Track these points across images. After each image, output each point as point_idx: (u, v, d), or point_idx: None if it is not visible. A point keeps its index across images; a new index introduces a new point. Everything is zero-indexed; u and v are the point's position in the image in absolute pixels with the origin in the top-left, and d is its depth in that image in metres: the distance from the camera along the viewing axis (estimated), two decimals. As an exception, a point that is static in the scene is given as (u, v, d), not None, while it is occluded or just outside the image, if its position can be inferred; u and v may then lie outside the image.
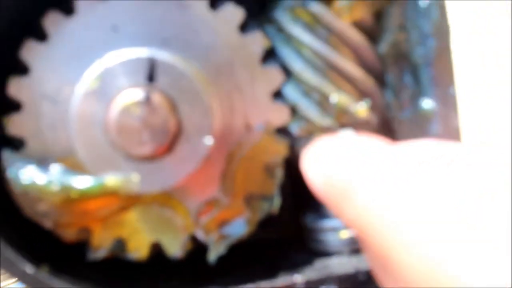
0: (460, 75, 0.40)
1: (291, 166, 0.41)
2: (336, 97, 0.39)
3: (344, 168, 0.29)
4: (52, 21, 0.38)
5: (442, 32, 0.38)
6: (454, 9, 0.39)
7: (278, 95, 0.40)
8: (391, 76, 0.40)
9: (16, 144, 0.39)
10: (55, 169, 0.39)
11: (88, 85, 0.38)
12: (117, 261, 0.41)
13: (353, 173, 0.29)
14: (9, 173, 0.38)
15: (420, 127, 0.39)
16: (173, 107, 0.38)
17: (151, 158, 0.38)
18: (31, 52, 0.38)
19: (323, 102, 0.40)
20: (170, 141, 0.38)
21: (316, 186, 0.32)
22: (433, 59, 0.38)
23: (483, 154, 0.26)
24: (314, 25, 0.39)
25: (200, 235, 0.41)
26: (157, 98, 0.37)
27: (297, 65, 0.40)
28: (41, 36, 0.38)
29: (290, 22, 0.40)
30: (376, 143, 0.30)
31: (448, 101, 0.39)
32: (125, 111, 0.37)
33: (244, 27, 0.39)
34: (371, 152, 0.29)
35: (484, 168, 0.24)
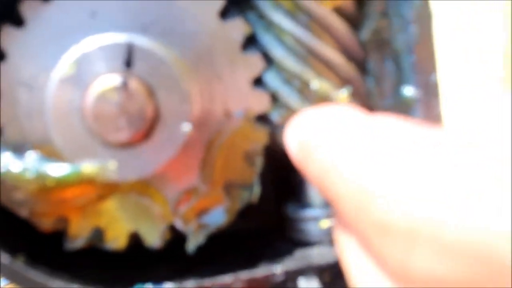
0: (443, 72, 0.40)
1: (272, 155, 0.40)
2: (317, 84, 0.39)
3: (318, 134, 0.30)
4: (29, 6, 0.38)
5: (424, 18, 0.38)
6: (437, 6, 0.39)
7: (258, 82, 0.40)
8: (372, 63, 0.40)
9: (-9, 131, 0.38)
10: (31, 156, 0.38)
11: (64, 71, 0.37)
12: (94, 251, 0.40)
13: (325, 138, 0.29)
14: (-16, 161, 0.37)
15: (402, 114, 0.38)
16: (151, 93, 0.37)
17: (128, 145, 0.38)
18: (8, 38, 0.38)
19: (303, 89, 0.39)
20: (148, 128, 0.37)
21: (292, 151, 0.32)
22: (414, 46, 0.38)
23: (471, 149, 0.25)
24: (295, 11, 0.39)
25: (179, 224, 0.40)
26: (134, 84, 0.37)
27: (278, 52, 0.39)
28: (18, 21, 0.38)
29: (271, 9, 0.39)
30: (353, 112, 0.30)
31: (430, 89, 0.38)
32: (102, 97, 0.37)
33: (224, 14, 0.39)
34: (346, 120, 0.29)
35: (472, 166, 0.24)
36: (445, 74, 0.44)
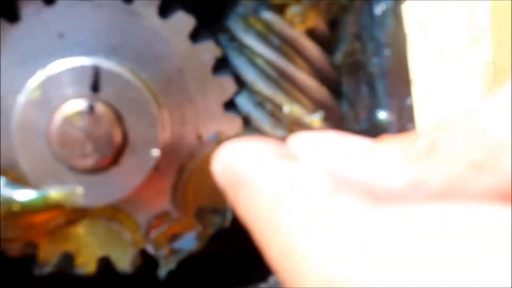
0: (418, 72, 0.39)
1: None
2: (288, 108, 0.38)
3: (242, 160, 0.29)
4: (-4, 28, 0.37)
5: (397, 42, 0.37)
6: (411, 5, 0.38)
7: (230, 105, 0.39)
8: (347, 87, 0.39)
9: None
10: (-2, 182, 0.37)
11: (30, 94, 0.37)
12: (65, 275, 0.40)
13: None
14: None
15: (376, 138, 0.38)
16: (118, 118, 0.36)
17: (96, 170, 0.37)
18: (-26, 61, 0.37)
19: (275, 113, 0.39)
20: (115, 153, 0.37)
21: (217, 173, 0.31)
22: (388, 70, 0.37)
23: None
24: (267, 34, 0.38)
25: (150, 249, 0.39)
26: (101, 108, 0.36)
27: (249, 75, 0.39)
28: (-16, 43, 0.37)
29: (242, 31, 0.38)
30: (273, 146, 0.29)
31: (404, 113, 0.38)
32: (68, 121, 0.36)
33: (195, 36, 0.38)
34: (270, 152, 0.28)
35: None
36: (419, 75, 0.43)
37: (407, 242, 0.19)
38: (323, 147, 0.25)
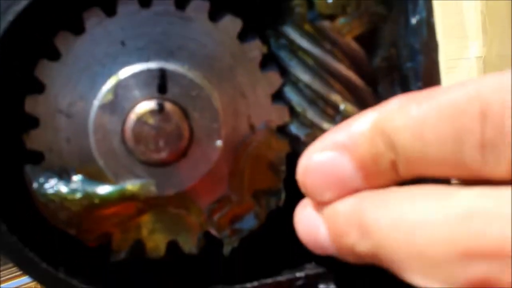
0: None
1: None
2: (343, 106, 0.42)
3: None
4: (63, 40, 0.41)
5: (430, 49, 0.41)
6: None
7: (277, 96, 0.43)
8: (382, 87, 0.43)
9: (35, 158, 0.42)
10: (76, 178, 0.41)
11: (103, 98, 0.40)
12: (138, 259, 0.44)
13: None
14: (34, 186, 0.40)
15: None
16: (185, 114, 0.40)
17: (166, 163, 0.41)
18: (45, 71, 0.41)
19: (327, 111, 0.43)
20: (184, 147, 0.41)
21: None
22: (421, 74, 0.41)
23: None
24: (320, 38, 0.42)
25: (214, 231, 0.44)
26: (169, 107, 0.40)
27: (304, 75, 0.43)
28: (54, 55, 0.41)
29: (299, 36, 0.42)
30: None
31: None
32: (140, 121, 0.40)
33: (242, 36, 0.42)
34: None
35: None
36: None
37: None
38: None
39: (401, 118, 0.32)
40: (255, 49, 0.42)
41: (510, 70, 0.28)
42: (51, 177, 0.41)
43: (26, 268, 0.41)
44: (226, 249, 0.44)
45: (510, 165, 0.27)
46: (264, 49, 0.42)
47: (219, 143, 0.41)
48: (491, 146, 0.28)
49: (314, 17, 0.42)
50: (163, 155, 0.40)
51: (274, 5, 0.43)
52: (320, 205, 0.37)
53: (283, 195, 0.44)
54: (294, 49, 0.43)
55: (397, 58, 0.42)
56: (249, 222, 0.44)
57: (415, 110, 0.31)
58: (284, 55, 0.43)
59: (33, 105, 0.41)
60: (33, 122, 0.41)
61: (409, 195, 0.31)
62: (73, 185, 0.41)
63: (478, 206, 0.27)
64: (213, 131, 0.41)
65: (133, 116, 0.40)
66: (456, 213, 0.28)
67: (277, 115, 0.43)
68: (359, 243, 0.33)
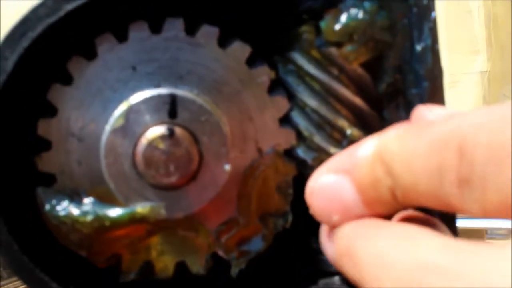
0: None
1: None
2: (350, 131, 0.43)
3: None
4: (76, 65, 0.42)
5: (434, 75, 0.42)
6: None
7: (285, 120, 0.44)
8: (387, 112, 0.44)
9: (47, 180, 0.42)
10: (88, 201, 0.42)
11: (114, 122, 0.41)
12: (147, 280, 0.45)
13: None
14: (46, 208, 0.41)
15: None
16: (194, 139, 0.41)
17: (176, 186, 0.42)
18: (58, 95, 0.42)
19: (333, 134, 0.44)
20: (193, 171, 0.41)
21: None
22: (426, 99, 0.42)
23: None
24: (327, 64, 0.43)
25: (222, 253, 0.44)
26: (179, 132, 0.41)
27: (311, 100, 0.43)
28: (66, 79, 0.42)
29: (306, 62, 0.43)
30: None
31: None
32: (151, 145, 0.41)
33: (251, 62, 0.43)
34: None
35: None
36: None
37: None
38: None
39: (396, 148, 0.32)
40: (263, 74, 0.43)
41: (496, 106, 0.28)
42: (63, 199, 0.42)
43: (36, 287, 0.42)
44: (234, 271, 0.45)
45: (483, 205, 0.27)
46: (272, 75, 0.43)
47: (227, 167, 0.42)
48: (467, 183, 0.28)
49: (321, 44, 0.43)
50: (173, 179, 0.41)
51: (282, 32, 0.44)
52: (330, 228, 0.37)
53: (290, 218, 0.45)
54: (301, 75, 0.44)
55: (402, 84, 0.43)
56: (257, 244, 0.44)
57: (407, 140, 0.32)
58: (291, 80, 0.44)
59: (45, 128, 0.42)
60: (46, 144, 0.42)
61: (389, 233, 0.32)
62: (85, 208, 0.42)
63: (434, 261, 0.28)
64: (222, 155, 0.42)
65: (144, 141, 0.41)
66: (416, 263, 0.28)
67: (284, 139, 0.44)
68: (349, 272, 0.34)
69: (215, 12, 0.44)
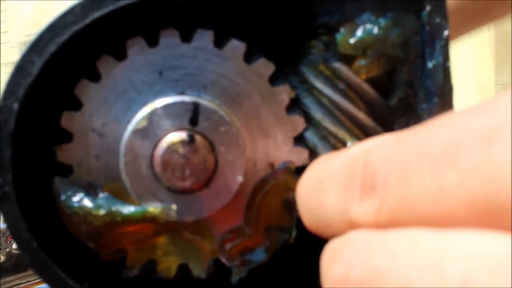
0: None
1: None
2: (351, 143, 0.45)
3: None
4: (105, 64, 0.43)
5: (445, 92, 0.44)
6: None
7: (299, 139, 0.45)
8: (398, 127, 0.46)
9: (64, 171, 0.44)
10: (102, 195, 0.43)
11: (137, 123, 0.43)
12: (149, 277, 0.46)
13: None
14: (62, 198, 0.43)
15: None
16: (212, 147, 0.43)
17: (189, 191, 0.43)
18: (84, 90, 0.43)
19: (338, 146, 0.45)
20: (207, 177, 0.43)
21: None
22: (436, 114, 0.44)
23: None
24: (334, 79, 0.45)
25: (224, 260, 0.46)
26: (199, 139, 0.42)
27: (317, 113, 0.45)
28: (95, 76, 0.43)
29: (313, 76, 0.45)
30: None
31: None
32: (170, 149, 0.42)
33: (273, 79, 0.45)
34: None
35: None
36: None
37: None
38: None
39: (313, 168, 0.36)
40: (284, 92, 0.45)
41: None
42: (78, 191, 0.43)
43: (55, 284, 0.43)
44: (234, 278, 0.46)
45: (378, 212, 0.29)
46: (292, 94, 0.45)
47: (240, 178, 0.44)
48: (370, 191, 0.29)
49: (330, 59, 0.44)
50: (187, 183, 0.43)
51: (295, 45, 0.46)
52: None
53: (294, 233, 0.46)
54: (309, 88, 0.45)
55: (414, 99, 0.44)
56: (259, 255, 0.46)
57: (324, 160, 0.35)
58: (301, 93, 0.45)
59: (69, 120, 0.43)
60: (67, 136, 0.44)
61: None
62: (99, 201, 0.43)
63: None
64: (236, 166, 0.43)
65: (164, 144, 0.42)
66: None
67: (297, 157, 0.45)
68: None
69: (242, 27, 0.45)
